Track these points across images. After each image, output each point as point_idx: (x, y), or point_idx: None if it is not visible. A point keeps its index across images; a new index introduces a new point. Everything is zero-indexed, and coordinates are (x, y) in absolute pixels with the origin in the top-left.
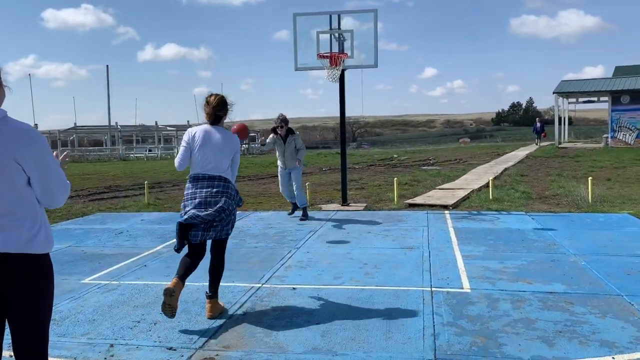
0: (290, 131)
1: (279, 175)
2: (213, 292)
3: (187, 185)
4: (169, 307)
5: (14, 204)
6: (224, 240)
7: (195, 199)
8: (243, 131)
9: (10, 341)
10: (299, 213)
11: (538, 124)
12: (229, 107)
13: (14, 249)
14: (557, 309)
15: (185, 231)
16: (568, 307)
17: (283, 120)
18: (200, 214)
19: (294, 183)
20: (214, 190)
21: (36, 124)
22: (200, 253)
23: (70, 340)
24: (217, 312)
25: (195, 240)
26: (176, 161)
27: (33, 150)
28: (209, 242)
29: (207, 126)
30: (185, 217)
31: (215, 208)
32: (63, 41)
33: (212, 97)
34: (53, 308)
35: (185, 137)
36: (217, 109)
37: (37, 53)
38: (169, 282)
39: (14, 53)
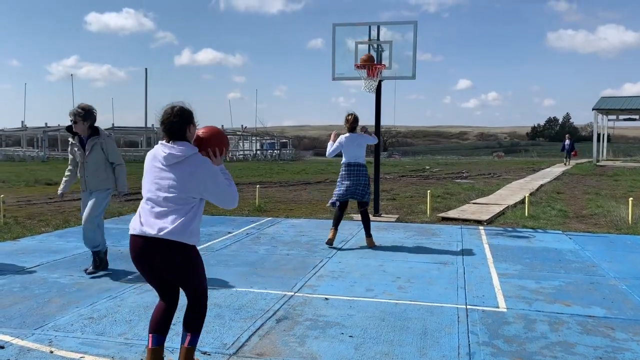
0: (95, 130)
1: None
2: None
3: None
4: None
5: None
6: None
7: None
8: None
9: None
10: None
11: (567, 141)
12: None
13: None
14: (597, 333)
15: None
16: (609, 332)
17: (78, 113)
18: None
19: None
20: None
21: None
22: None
23: (108, 339)
24: None
25: None
26: None
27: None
28: None
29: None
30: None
31: None
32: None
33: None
34: (92, 306)
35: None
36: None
37: (79, 54)
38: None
39: (58, 54)
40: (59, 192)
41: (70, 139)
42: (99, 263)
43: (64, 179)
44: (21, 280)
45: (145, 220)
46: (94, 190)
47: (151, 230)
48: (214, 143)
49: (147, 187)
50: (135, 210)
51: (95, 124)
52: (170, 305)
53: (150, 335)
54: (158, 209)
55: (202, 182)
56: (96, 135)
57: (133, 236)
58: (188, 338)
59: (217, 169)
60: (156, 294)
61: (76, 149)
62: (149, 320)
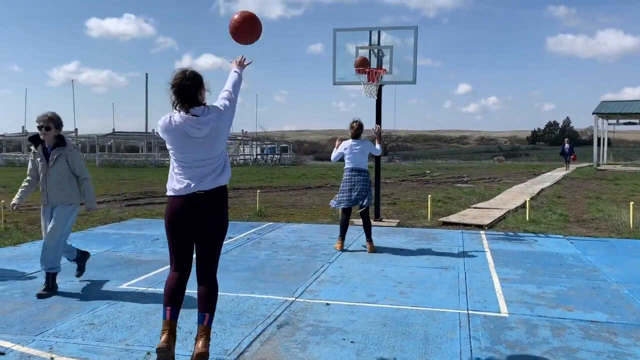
0: (60, 140)
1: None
2: None
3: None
4: None
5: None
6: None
7: None
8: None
9: None
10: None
11: (567, 145)
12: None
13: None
14: (599, 338)
15: None
16: (611, 337)
17: (51, 119)
18: None
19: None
20: None
21: (76, 129)
22: None
23: (109, 345)
24: None
25: None
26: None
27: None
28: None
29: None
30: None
31: None
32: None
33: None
34: (93, 312)
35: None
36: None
37: (80, 59)
38: None
39: (59, 59)
40: (13, 203)
41: (33, 148)
42: (52, 285)
43: (20, 189)
44: (22, 286)
45: (195, 180)
46: (57, 205)
47: (204, 187)
48: (242, 38)
49: (183, 154)
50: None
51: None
52: (185, 275)
53: (168, 308)
54: (204, 169)
55: (226, 126)
56: (62, 145)
57: (180, 197)
58: (207, 317)
59: (230, 107)
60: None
61: (39, 159)
62: (164, 295)
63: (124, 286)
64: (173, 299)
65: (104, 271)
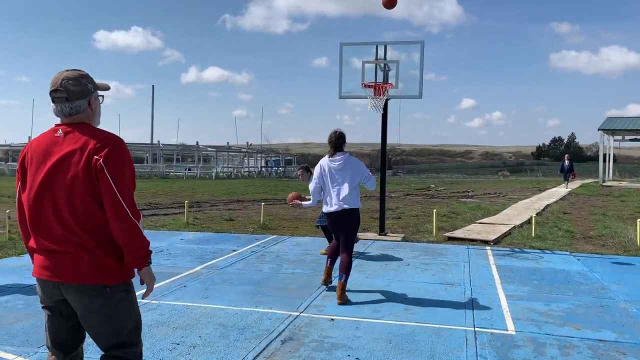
0: None
1: None
2: None
3: None
4: None
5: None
6: None
7: None
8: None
9: None
10: None
11: (567, 162)
12: None
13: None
14: (608, 358)
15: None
16: (620, 357)
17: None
18: None
19: None
20: None
21: None
22: None
23: None
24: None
25: None
26: None
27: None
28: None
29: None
30: None
31: None
32: (112, 61)
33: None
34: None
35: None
36: None
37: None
38: (207, 304)
39: None
40: None
41: None
42: None
43: None
44: (25, 297)
45: (335, 201)
46: None
47: (346, 205)
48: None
49: (330, 183)
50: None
51: None
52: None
53: (329, 259)
54: (342, 194)
55: (358, 170)
56: None
57: (330, 212)
58: (344, 277)
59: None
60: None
61: None
62: (329, 250)
63: None
64: (334, 254)
65: None
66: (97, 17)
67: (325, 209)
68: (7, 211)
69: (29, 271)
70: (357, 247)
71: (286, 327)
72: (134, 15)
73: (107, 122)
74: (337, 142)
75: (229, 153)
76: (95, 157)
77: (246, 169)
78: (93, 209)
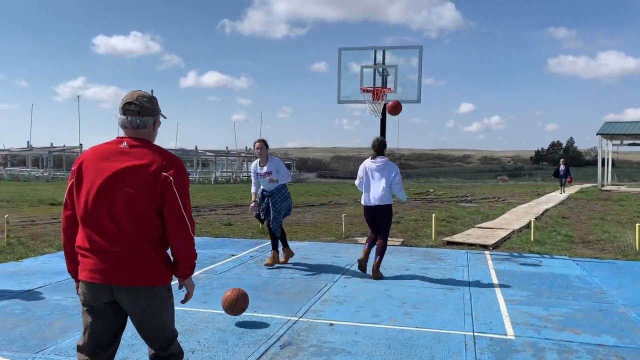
0: None
1: None
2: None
3: None
4: None
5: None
6: None
7: None
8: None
9: None
10: None
11: (562, 167)
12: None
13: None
14: None
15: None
16: None
17: None
18: None
19: None
20: None
21: (81, 144)
22: None
23: None
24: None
25: None
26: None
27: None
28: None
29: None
30: None
31: None
32: (111, 65)
33: None
34: None
35: None
36: None
37: (86, 76)
38: (205, 309)
39: (65, 75)
40: None
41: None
42: None
43: None
44: (23, 302)
45: (373, 196)
46: None
47: (378, 202)
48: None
49: (369, 180)
50: None
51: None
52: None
53: (367, 244)
54: (378, 191)
55: (393, 171)
56: None
57: (368, 206)
58: (378, 257)
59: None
60: None
61: None
62: (368, 238)
63: None
64: (371, 242)
65: None
66: (96, 22)
67: (365, 202)
68: (6, 216)
69: (27, 276)
70: (355, 252)
71: (285, 332)
72: (133, 20)
73: (106, 127)
74: (379, 146)
75: (228, 157)
76: (165, 174)
77: (245, 174)
78: (152, 218)
